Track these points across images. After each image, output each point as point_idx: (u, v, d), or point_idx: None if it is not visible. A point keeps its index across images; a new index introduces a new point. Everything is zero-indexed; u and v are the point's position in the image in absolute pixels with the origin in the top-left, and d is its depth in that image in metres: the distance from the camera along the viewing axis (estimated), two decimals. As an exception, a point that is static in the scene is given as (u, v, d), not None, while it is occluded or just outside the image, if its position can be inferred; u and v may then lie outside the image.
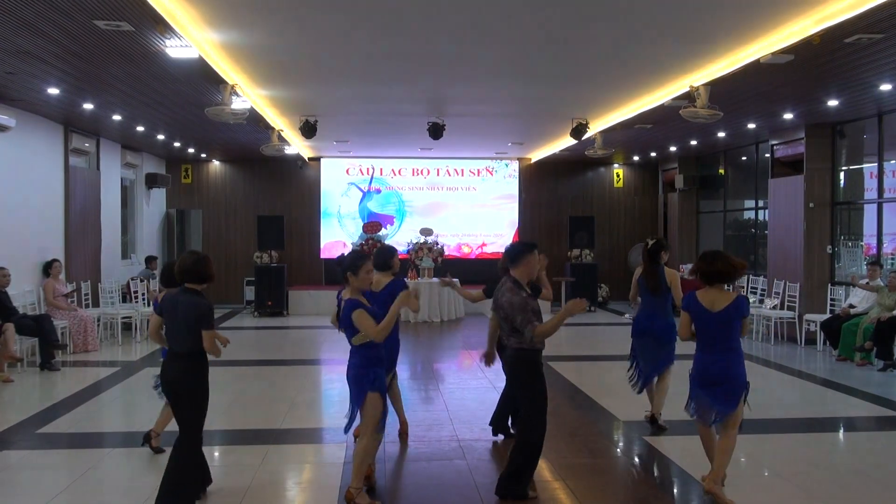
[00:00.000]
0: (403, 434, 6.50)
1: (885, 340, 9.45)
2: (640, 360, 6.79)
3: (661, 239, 7.11)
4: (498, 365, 6.91)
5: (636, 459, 6.20)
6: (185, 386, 4.66)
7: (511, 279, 5.10)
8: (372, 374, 4.87)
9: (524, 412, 5.08)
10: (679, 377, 6.91)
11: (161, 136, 13.26)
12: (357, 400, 4.90)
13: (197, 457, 4.82)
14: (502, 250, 6.40)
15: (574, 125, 11.50)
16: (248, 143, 13.94)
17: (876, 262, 10.54)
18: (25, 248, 10.57)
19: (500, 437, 6.53)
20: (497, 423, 6.56)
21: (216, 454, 5.90)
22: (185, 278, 4.74)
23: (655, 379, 6.77)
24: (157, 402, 8.16)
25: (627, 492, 5.46)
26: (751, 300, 12.50)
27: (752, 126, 12.01)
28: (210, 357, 4.75)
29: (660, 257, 6.70)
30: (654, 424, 6.72)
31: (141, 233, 15.48)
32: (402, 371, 10.13)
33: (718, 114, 8.32)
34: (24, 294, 10.26)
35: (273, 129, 11.99)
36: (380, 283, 5.87)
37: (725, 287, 5.08)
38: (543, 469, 5.76)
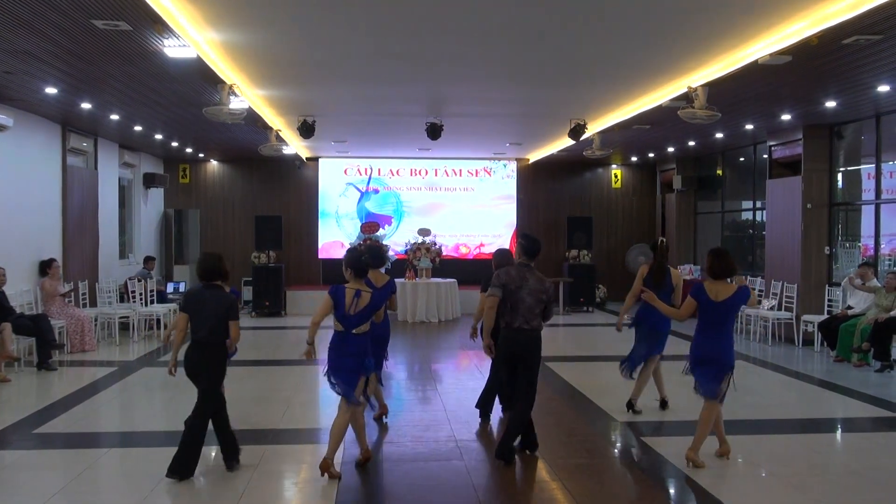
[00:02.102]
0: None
1: (883, 341, 9.45)
2: (633, 347, 7.22)
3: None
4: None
5: (633, 460, 6.20)
6: (210, 370, 5.39)
7: (532, 268, 5.85)
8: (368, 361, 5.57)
9: (532, 384, 5.87)
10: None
11: (159, 136, 13.25)
12: (354, 383, 5.42)
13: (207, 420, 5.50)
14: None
15: (572, 126, 11.50)
16: (245, 143, 13.93)
17: (867, 262, 10.59)
18: (23, 247, 10.55)
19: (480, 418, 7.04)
20: (486, 406, 7.12)
21: (213, 454, 5.88)
22: (212, 277, 5.45)
23: (640, 365, 7.22)
24: (153, 403, 8.22)
25: (624, 492, 5.46)
26: (748, 301, 12.53)
27: (749, 127, 12.02)
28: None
29: (667, 255, 7.33)
30: (630, 408, 7.22)
31: (138, 233, 15.46)
32: (400, 371, 10.15)
33: (716, 115, 8.33)
34: (22, 294, 10.25)
35: (271, 129, 11.98)
36: (380, 280, 6.73)
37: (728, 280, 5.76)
38: (541, 469, 5.78)
